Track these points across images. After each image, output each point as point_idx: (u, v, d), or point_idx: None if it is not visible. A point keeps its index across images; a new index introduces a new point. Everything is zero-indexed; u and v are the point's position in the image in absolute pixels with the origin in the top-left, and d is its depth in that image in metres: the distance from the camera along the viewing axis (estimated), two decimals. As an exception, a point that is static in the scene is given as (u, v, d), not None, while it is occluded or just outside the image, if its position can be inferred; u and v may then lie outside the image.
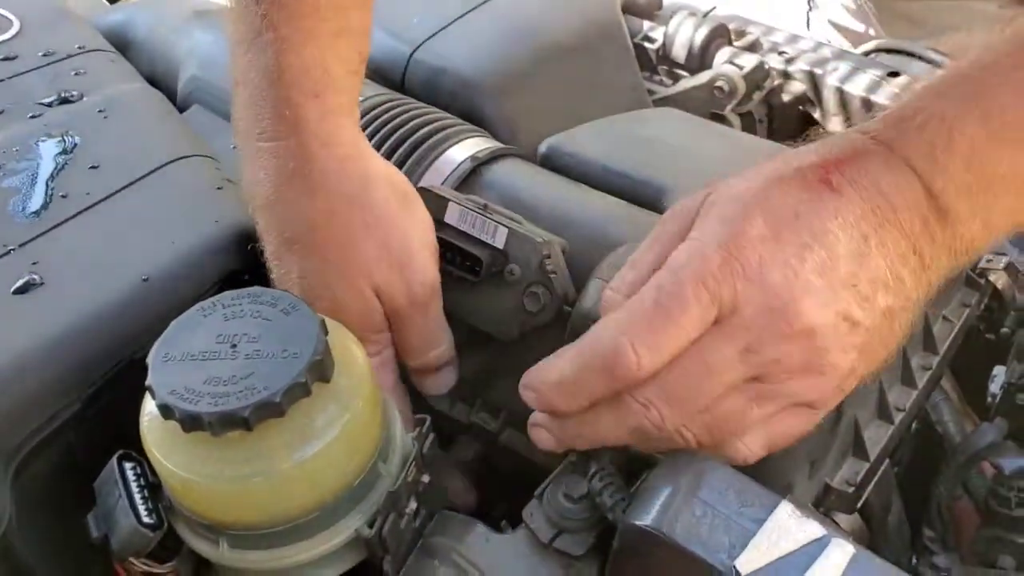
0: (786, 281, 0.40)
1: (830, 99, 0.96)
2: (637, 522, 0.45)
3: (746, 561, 0.42)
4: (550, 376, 0.46)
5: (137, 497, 0.49)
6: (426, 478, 0.53)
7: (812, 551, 0.43)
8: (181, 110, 0.85)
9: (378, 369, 0.59)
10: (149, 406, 0.48)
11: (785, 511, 0.44)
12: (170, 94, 0.88)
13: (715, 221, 0.43)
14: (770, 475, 0.53)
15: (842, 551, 0.43)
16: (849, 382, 0.45)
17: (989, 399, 0.76)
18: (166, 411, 0.46)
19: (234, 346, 0.49)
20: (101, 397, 0.58)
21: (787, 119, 1.00)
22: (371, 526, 0.49)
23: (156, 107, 0.78)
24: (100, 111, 0.75)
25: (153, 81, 0.89)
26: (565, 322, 0.61)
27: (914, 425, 0.71)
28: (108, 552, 0.49)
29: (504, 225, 0.62)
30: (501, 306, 0.62)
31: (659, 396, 0.42)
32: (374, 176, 0.60)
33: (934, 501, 0.73)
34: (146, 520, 0.49)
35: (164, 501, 0.50)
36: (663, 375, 0.42)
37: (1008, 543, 0.66)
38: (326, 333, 0.49)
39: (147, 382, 0.47)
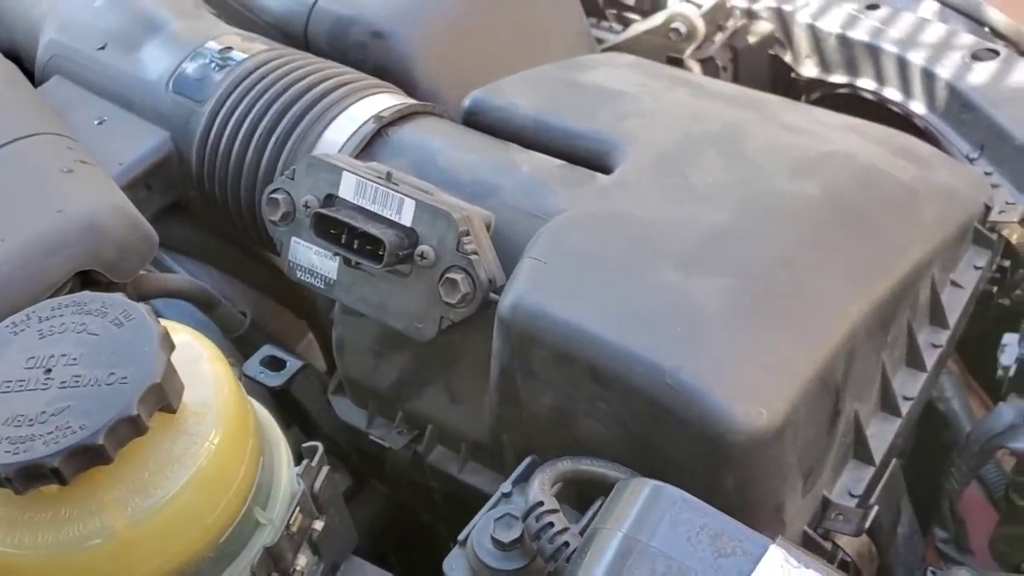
0: None
1: (801, 39, 0.86)
2: (580, 584, 0.34)
3: (727, 636, 0.32)
4: None
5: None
6: (319, 524, 0.45)
7: (815, 615, 0.32)
8: (41, 82, 0.73)
9: None
10: (-60, 456, 0.40)
11: (776, 559, 0.33)
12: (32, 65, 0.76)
13: None
14: (756, 495, 0.42)
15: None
16: None
17: (1000, 372, 0.66)
18: (-49, 464, 0.38)
19: (48, 371, 0.41)
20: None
21: (754, 65, 0.89)
22: (246, 594, 0.42)
23: (-2, 78, 0.66)
24: (-75, 86, 0.64)
25: (12, 52, 0.76)
26: (493, 314, 0.50)
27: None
28: None
29: (411, 197, 0.51)
30: (413, 299, 0.52)
31: None
32: None
33: (945, 498, 0.64)
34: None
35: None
36: None
37: (1036, 543, 0.57)
38: (171, 348, 0.41)
39: (-69, 425, 0.39)
